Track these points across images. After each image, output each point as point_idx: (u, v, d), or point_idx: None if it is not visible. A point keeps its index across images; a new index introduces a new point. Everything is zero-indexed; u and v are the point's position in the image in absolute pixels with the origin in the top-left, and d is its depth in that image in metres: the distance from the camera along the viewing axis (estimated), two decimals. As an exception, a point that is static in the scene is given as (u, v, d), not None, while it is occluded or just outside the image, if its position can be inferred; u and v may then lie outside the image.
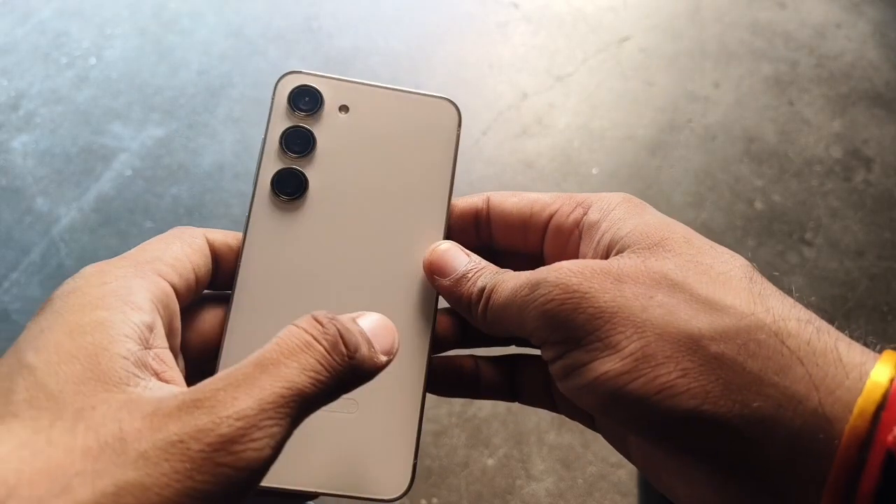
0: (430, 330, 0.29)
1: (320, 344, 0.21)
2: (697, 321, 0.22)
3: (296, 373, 0.20)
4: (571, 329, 0.24)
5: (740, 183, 1.11)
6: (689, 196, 1.10)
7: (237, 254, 0.28)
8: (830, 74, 1.27)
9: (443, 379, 0.30)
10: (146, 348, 0.22)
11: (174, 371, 0.22)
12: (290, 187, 0.28)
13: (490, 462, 0.86)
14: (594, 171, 1.13)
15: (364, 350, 0.22)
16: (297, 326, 0.21)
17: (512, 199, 0.30)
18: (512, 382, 0.31)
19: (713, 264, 0.24)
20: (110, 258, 0.24)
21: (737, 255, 0.25)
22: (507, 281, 0.26)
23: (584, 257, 0.28)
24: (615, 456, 0.88)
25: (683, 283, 0.23)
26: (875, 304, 1.01)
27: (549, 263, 0.29)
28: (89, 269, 0.23)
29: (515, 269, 0.30)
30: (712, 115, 1.20)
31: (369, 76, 1.23)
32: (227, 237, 0.28)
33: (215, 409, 0.19)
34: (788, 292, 0.24)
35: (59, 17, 1.29)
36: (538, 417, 0.90)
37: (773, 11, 1.36)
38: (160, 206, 1.07)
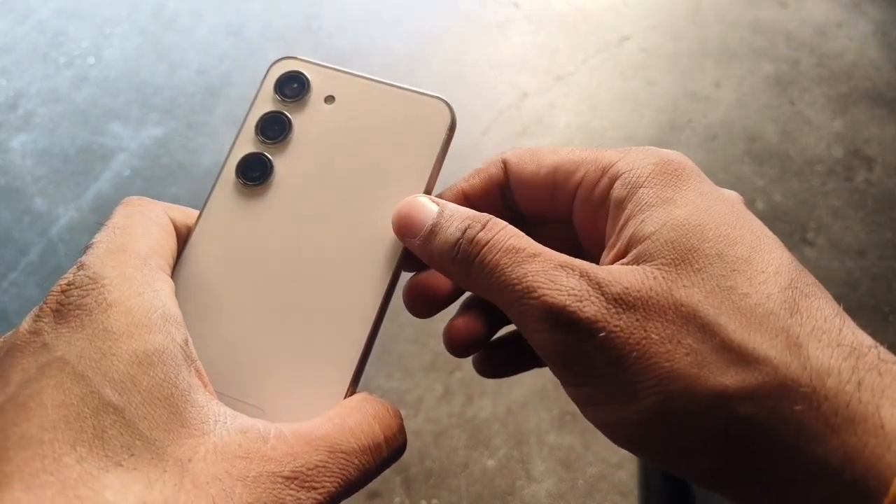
0: (376, 310, 0.26)
1: (383, 455, 0.23)
2: (726, 376, 0.20)
3: (352, 469, 0.22)
4: (590, 365, 0.22)
5: (741, 182, 1.11)
6: (689, 196, 1.09)
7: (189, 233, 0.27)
8: (831, 74, 1.26)
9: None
10: (191, 364, 0.21)
11: (205, 375, 0.23)
12: (253, 172, 0.27)
13: (490, 463, 0.86)
14: (594, 170, 1.13)
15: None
16: (371, 426, 0.23)
17: (531, 167, 0.27)
18: (504, 343, 0.29)
19: (749, 292, 0.21)
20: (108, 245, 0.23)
21: (781, 269, 0.22)
22: (498, 250, 0.23)
23: (608, 238, 0.25)
24: (616, 457, 0.88)
25: (714, 324, 0.21)
26: (876, 304, 1.01)
27: (581, 233, 0.27)
28: (111, 273, 0.22)
29: (548, 234, 0.28)
30: (713, 115, 1.20)
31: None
32: (186, 217, 0.27)
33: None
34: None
35: (58, 16, 1.29)
36: (538, 418, 0.90)
37: (774, 11, 1.36)
38: (159, 206, 1.07)
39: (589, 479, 0.86)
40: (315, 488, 0.20)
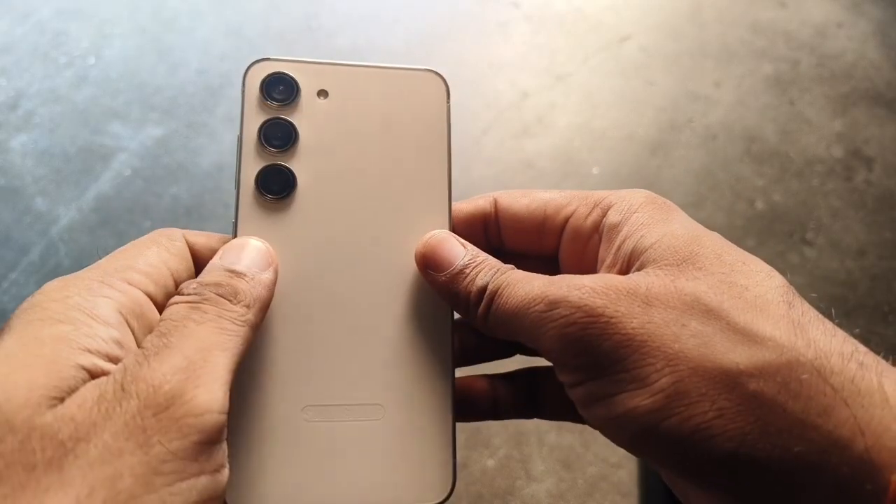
0: (450, 320, 0.26)
1: (209, 313, 0.21)
2: (735, 354, 0.20)
3: (207, 334, 0.20)
4: (595, 356, 0.22)
5: (741, 183, 1.11)
6: (689, 196, 1.09)
7: None
8: (831, 74, 1.26)
9: (458, 405, 0.27)
10: (114, 364, 0.20)
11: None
12: (276, 185, 0.26)
13: (490, 463, 0.86)
14: (595, 170, 1.13)
15: (245, 286, 0.22)
16: (178, 304, 0.21)
17: (523, 201, 0.28)
18: (532, 398, 0.28)
19: (748, 285, 0.22)
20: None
21: (773, 273, 0.23)
22: (516, 284, 0.24)
23: (604, 262, 0.25)
24: (615, 456, 0.88)
25: (718, 308, 0.21)
26: (876, 304, 1.01)
27: (565, 268, 0.28)
28: (51, 284, 0.21)
29: (529, 271, 0.28)
30: (713, 115, 1.20)
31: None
32: (209, 240, 0.26)
33: (147, 377, 0.19)
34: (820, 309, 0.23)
35: (58, 16, 1.29)
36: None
37: (773, 11, 1.35)
38: (159, 206, 1.07)
39: (589, 479, 0.86)
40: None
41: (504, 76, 1.24)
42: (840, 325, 0.22)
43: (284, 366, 0.24)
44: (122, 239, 1.04)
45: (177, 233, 0.25)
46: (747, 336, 0.20)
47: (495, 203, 0.28)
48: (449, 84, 0.28)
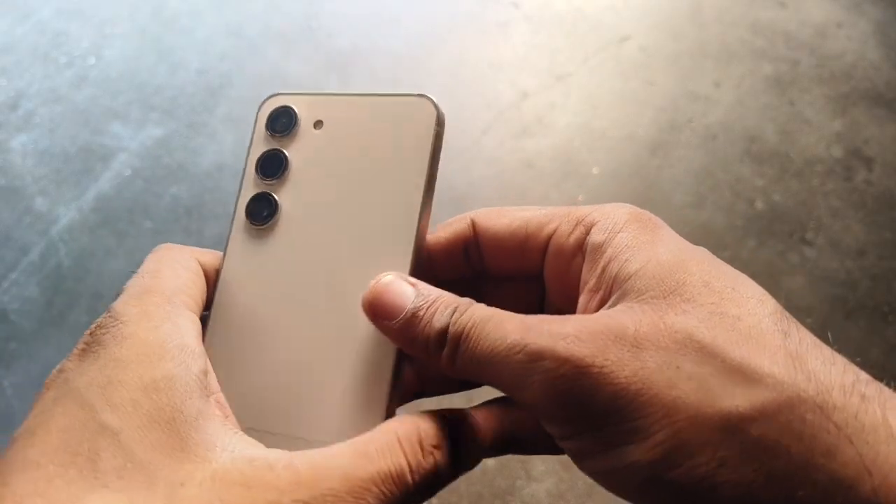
0: (391, 365, 0.25)
1: (407, 482, 0.21)
2: (734, 398, 0.19)
3: (370, 497, 0.20)
4: (588, 410, 0.20)
5: (741, 183, 1.11)
6: (689, 196, 1.09)
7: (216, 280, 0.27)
8: (831, 74, 1.26)
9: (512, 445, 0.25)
10: (208, 396, 0.21)
11: (228, 408, 0.23)
12: (260, 212, 0.27)
13: (490, 462, 0.86)
14: (594, 170, 1.13)
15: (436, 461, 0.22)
16: (394, 451, 0.21)
17: (502, 221, 0.27)
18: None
19: (741, 315, 0.21)
20: (132, 278, 0.24)
21: (764, 298, 0.22)
22: (485, 325, 0.22)
23: (586, 284, 0.24)
24: (615, 456, 0.88)
25: (712, 345, 0.20)
26: (876, 304, 1.01)
27: (550, 287, 0.27)
28: (132, 311, 0.22)
29: (513, 293, 0.27)
30: (713, 115, 1.20)
31: (369, 76, 1.23)
32: (215, 260, 0.27)
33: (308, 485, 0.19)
34: (791, 305, 0.22)
35: (58, 16, 1.29)
36: (538, 418, 0.90)
37: (773, 11, 1.36)
38: (159, 206, 1.07)
39: (589, 480, 0.86)
40: None
41: (504, 76, 1.24)
42: (840, 327, 0.22)
43: (232, 384, 0.25)
44: (121, 239, 1.04)
45: (188, 254, 0.26)
46: (745, 375, 0.19)
47: (473, 225, 0.27)
48: (441, 110, 0.27)
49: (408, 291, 0.24)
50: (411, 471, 0.21)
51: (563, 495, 0.85)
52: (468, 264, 0.28)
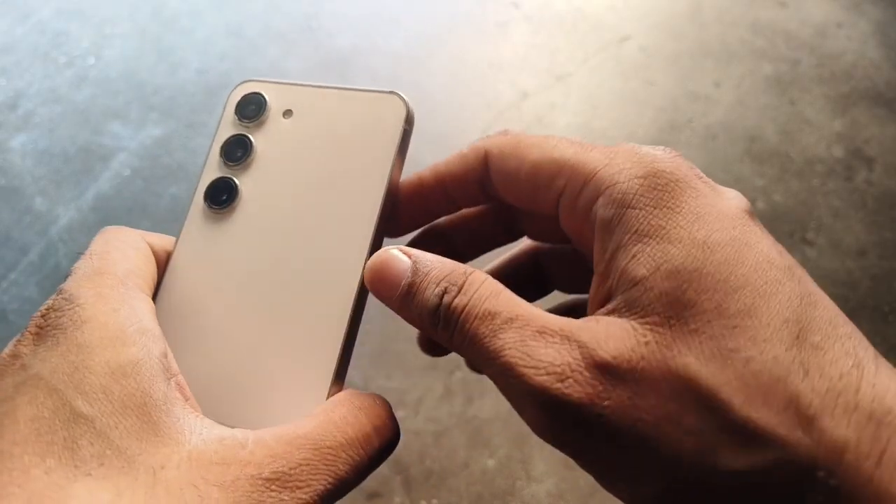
0: (350, 310, 0.25)
1: (374, 446, 0.22)
2: (736, 461, 0.18)
3: (341, 464, 0.21)
4: (587, 446, 0.20)
5: (741, 183, 1.11)
6: (689, 196, 1.09)
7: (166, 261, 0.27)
8: (832, 74, 1.26)
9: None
10: (170, 377, 0.21)
11: (188, 390, 0.23)
12: (219, 196, 0.27)
13: (490, 463, 0.86)
14: (595, 170, 1.13)
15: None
16: (357, 417, 0.22)
17: (512, 163, 0.25)
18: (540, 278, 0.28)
19: (753, 356, 0.19)
20: (83, 266, 0.23)
21: (790, 312, 0.20)
22: (479, 325, 0.21)
23: (597, 266, 0.23)
24: (616, 457, 0.88)
25: (716, 398, 0.18)
26: (877, 304, 1.01)
27: (570, 234, 0.26)
28: (87, 293, 0.22)
29: (538, 225, 0.27)
30: (713, 115, 1.20)
31: (369, 76, 1.23)
32: (164, 243, 0.27)
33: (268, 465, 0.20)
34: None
35: (58, 16, 1.29)
36: (538, 418, 0.89)
37: (773, 11, 1.35)
38: (159, 206, 1.07)
39: (589, 480, 0.86)
40: (300, 487, 0.20)
41: (504, 76, 1.24)
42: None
43: (190, 372, 0.25)
44: (121, 239, 1.04)
45: (136, 234, 0.26)
46: (748, 436, 0.18)
47: (486, 157, 0.26)
48: (411, 108, 0.27)
49: (400, 262, 0.23)
50: (376, 434, 0.22)
51: (563, 496, 0.85)
52: (485, 196, 0.27)
